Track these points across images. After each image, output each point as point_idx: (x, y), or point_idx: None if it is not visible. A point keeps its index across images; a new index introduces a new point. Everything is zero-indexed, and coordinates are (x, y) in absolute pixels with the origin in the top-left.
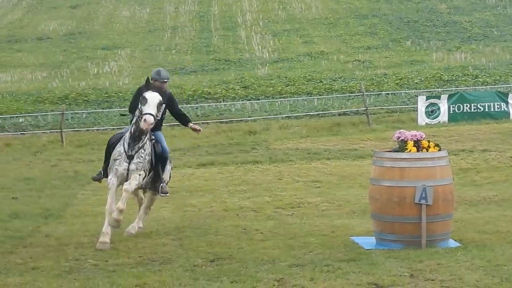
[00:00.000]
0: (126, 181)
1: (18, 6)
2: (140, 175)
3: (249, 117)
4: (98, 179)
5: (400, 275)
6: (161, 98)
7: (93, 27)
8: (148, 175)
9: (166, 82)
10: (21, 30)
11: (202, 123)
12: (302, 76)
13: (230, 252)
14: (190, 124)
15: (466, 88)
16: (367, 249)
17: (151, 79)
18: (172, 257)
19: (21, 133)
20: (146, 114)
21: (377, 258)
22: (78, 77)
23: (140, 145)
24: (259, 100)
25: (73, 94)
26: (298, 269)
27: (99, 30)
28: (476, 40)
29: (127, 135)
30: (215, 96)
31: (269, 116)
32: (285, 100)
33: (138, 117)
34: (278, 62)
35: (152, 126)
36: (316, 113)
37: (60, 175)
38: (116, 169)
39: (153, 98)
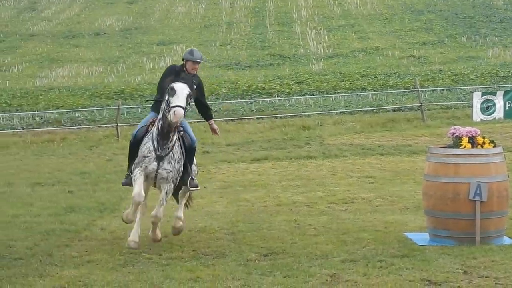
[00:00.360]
0: (155, 183)
1: (75, 2)
2: (170, 188)
3: (303, 112)
4: (129, 183)
5: (454, 272)
6: (190, 91)
7: (149, 22)
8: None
9: (199, 62)
10: (78, 26)
11: (257, 118)
12: (356, 71)
13: (283, 246)
14: (212, 122)
15: None
16: (420, 245)
17: (183, 60)
18: (226, 251)
19: (77, 128)
20: (175, 106)
21: (430, 255)
22: (134, 72)
23: (170, 145)
24: (313, 95)
25: (128, 89)
26: (351, 265)
27: (155, 25)
28: None
29: (155, 131)
30: (270, 92)
31: (323, 112)
32: (339, 96)
33: (165, 110)
34: (332, 57)
35: (181, 120)
36: (371, 108)
37: (115, 169)
38: (146, 166)
39: (182, 89)
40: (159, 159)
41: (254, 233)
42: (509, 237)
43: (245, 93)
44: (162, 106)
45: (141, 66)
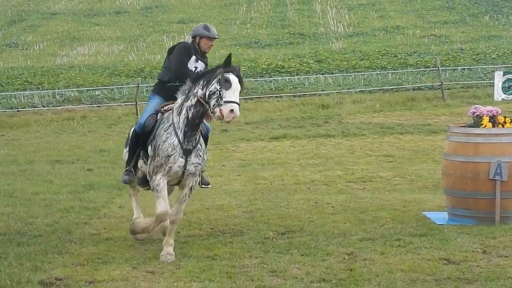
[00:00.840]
0: (180, 181)
1: None
2: (196, 182)
3: (322, 91)
4: (130, 180)
5: (473, 251)
6: (241, 87)
7: (170, 1)
8: None
9: (215, 39)
10: (99, 4)
11: (276, 96)
12: (376, 50)
13: (301, 225)
14: None
15: None
16: (439, 224)
17: (195, 37)
18: (243, 229)
19: (97, 106)
20: (232, 102)
21: (449, 234)
22: (154, 50)
23: (197, 136)
24: (333, 74)
25: (148, 67)
26: (368, 243)
27: (175, 4)
28: None
29: (181, 120)
30: (289, 70)
31: (343, 90)
32: (359, 74)
33: (209, 100)
34: (353, 36)
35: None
36: (390, 87)
37: None
38: (170, 167)
39: (237, 84)
40: (187, 153)
41: (271, 211)
42: None
43: (264, 72)
44: (200, 91)
45: (161, 45)
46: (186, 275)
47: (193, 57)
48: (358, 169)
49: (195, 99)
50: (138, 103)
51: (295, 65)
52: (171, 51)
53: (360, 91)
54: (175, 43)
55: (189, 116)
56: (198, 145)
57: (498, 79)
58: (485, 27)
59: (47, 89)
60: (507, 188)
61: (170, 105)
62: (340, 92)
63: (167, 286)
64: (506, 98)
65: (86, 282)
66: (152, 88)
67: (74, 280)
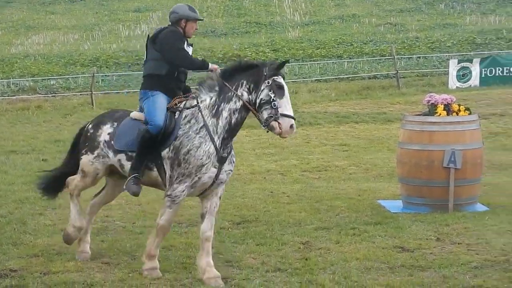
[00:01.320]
0: (205, 190)
1: None
2: (223, 190)
3: None
4: (139, 190)
5: (427, 239)
6: None
7: None
8: None
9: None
10: None
11: None
12: (332, 39)
13: (256, 215)
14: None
15: (499, 52)
16: (393, 213)
17: (180, 19)
18: (199, 219)
19: (52, 96)
20: (290, 117)
21: (403, 222)
22: (110, 39)
23: (232, 142)
24: (289, 63)
25: (104, 56)
26: (324, 232)
27: None
28: (511, 3)
29: (220, 125)
30: (245, 59)
31: (299, 80)
32: (315, 63)
33: (259, 109)
34: (309, 25)
35: None
36: (346, 76)
37: None
38: (199, 178)
39: (287, 91)
40: (221, 161)
41: (227, 201)
42: (483, 204)
43: (220, 61)
44: (245, 95)
45: (117, 34)
46: (142, 266)
47: (186, 42)
48: (313, 158)
49: (240, 103)
50: (93, 92)
51: (251, 54)
52: (153, 40)
53: (316, 80)
54: (151, 32)
55: (232, 122)
56: (232, 150)
57: (453, 67)
58: (440, 15)
59: (1, 79)
60: (460, 176)
61: (185, 101)
62: (296, 81)
63: (122, 277)
64: (461, 86)
65: (40, 273)
66: (142, 86)
67: (29, 271)
